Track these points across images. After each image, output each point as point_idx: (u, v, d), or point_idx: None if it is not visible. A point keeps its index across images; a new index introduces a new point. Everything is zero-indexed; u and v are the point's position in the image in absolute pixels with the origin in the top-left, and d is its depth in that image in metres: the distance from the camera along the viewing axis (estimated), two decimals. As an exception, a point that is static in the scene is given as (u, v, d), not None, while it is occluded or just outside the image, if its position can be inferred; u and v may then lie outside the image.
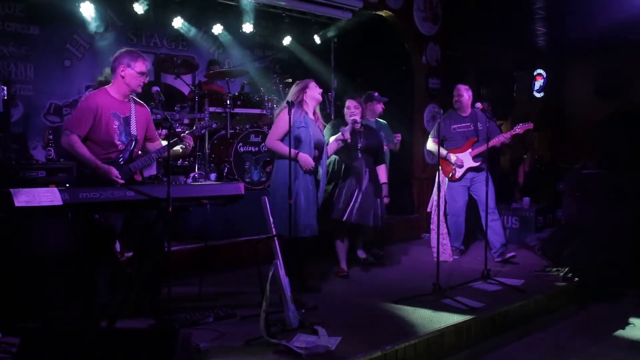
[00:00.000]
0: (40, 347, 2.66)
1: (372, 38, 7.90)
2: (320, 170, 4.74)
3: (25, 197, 2.93)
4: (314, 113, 4.76)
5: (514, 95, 10.68)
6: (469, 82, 8.97)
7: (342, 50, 7.94)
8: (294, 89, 4.70)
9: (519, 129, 5.77)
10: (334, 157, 5.19)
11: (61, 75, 6.82)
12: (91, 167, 3.75)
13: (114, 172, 3.75)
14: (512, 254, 6.02)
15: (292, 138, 4.36)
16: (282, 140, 4.52)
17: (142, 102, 4.12)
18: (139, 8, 6.31)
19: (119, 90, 3.92)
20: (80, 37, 6.91)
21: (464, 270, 5.59)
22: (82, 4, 6.22)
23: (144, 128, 4.05)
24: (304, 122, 4.55)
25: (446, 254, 5.99)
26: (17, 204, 2.90)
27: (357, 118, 5.02)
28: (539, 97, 11.20)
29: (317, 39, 7.61)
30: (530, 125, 5.80)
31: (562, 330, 4.72)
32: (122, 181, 3.77)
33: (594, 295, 5.32)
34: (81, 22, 6.62)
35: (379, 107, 6.03)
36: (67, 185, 4.73)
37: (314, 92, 4.66)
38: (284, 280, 3.70)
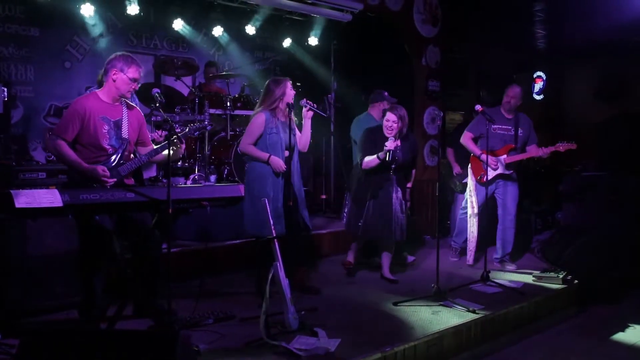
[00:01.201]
0: (40, 348, 2.65)
1: (372, 40, 7.91)
2: (293, 170, 4.63)
3: (26, 199, 2.93)
4: (286, 115, 4.62)
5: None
6: (469, 84, 8.98)
7: (342, 52, 7.95)
8: (272, 91, 4.54)
9: (561, 147, 5.52)
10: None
11: (61, 76, 6.82)
12: (77, 169, 3.67)
13: (99, 170, 3.64)
14: (514, 267, 5.89)
15: (263, 143, 4.50)
16: (255, 144, 4.55)
17: (134, 105, 4.05)
18: (134, 9, 6.30)
19: (109, 94, 3.83)
20: (80, 39, 6.92)
21: (464, 272, 5.59)
22: (82, 6, 6.22)
23: (137, 131, 3.97)
24: (276, 129, 4.53)
25: (470, 257, 5.93)
26: (17, 205, 2.90)
27: (393, 144, 4.80)
28: (539, 100, 11.21)
29: (316, 40, 7.61)
30: (573, 146, 5.50)
31: (562, 333, 4.73)
32: (110, 180, 3.68)
33: (594, 297, 5.33)
34: (81, 24, 6.63)
35: None
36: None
37: (289, 98, 4.55)
38: (284, 282, 3.70)
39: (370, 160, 4.95)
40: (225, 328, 3.82)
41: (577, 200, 6.51)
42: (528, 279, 5.32)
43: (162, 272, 3.84)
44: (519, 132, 5.72)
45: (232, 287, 4.96)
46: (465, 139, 5.87)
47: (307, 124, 4.67)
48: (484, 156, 5.54)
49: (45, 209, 2.99)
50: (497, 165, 5.65)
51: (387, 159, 4.80)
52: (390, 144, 4.80)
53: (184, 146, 4.05)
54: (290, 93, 4.56)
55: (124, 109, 3.89)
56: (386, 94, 5.93)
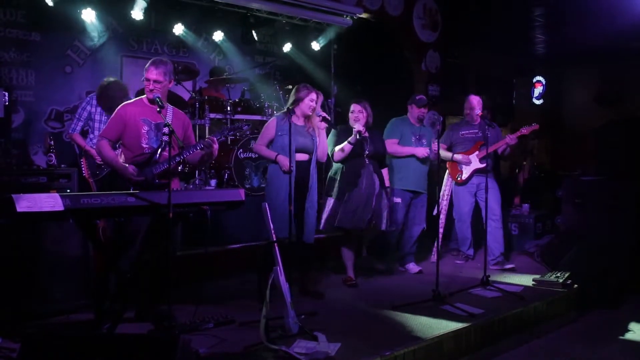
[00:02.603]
0: (41, 352, 2.66)
1: (372, 45, 7.93)
2: (311, 173, 4.74)
3: (27, 203, 2.94)
4: (308, 121, 4.76)
5: (513, 102, 10.73)
6: (468, 89, 9.00)
7: (343, 57, 7.96)
8: (293, 94, 4.76)
9: (524, 130, 5.89)
10: (339, 165, 5.14)
11: (62, 81, 6.82)
12: (113, 166, 3.97)
13: (130, 170, 3.88)
14: (511, 265, 5.98)
15: (274, 144, 4.71)
16: (267, 146, 4.74)
17: (179, 110, 4.24)
18: (138, 14, 6.32)
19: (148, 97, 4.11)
20: (81, 44, 6.92)
21: (464, 276, 5.60)
22: (83, 11, 6.24)
23: (180, 134, 4.09)
24: (286, 130, 4.57)
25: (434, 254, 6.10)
26: (18, 209, 2.91)
27: (361, 124, 5.03)
28: (538, 104, 11.24)
29: (316, 45, 7.63)
30: (535, 127, 5.91)
31: (562, 337, 4.73)
32: (138, 179, 3.87)
33: (593, 301, 5.33)
34: (82, 29, 6.64)
35: (421, 112, 5.84)
36: (68, 190, 4.75)
37: (305, 108, 4.69)
38: (284, 286, 3.71)
39: (341, 147, 5.03)
40: (226, 332, 3.83)
41: (576, 205, 6.52)
42: (528, 283, 5.33)
43: (163, 276, 3.85)
44: (487, 133, 5.85)
45: (232, 291, 4.97)
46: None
47: (322, 134, 4.83)
48: (456, 156, 6.05)
49: (47, 214, 3.01)
50: (469, 160, 5.98)
51: (357, 137, 4.97)
52: (357, 126, 5.00)
53: (216, 146, 4.09)
54: (307, 103, 4.68)
55: (168, 113, 4.09)
56: (418, 97, 5.85)
